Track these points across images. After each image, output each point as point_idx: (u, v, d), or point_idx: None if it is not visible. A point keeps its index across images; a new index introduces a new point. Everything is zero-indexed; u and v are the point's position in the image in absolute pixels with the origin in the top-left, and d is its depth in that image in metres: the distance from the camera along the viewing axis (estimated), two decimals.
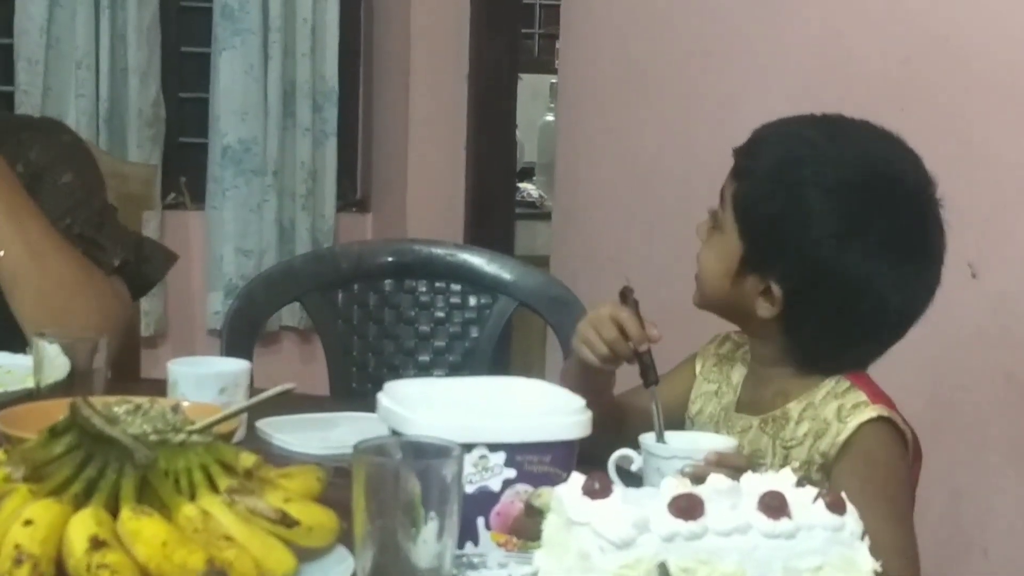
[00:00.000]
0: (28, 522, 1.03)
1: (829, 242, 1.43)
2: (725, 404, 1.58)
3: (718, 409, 1.58)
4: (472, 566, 1.14)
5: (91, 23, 3.57)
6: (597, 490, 1.03)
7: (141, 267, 1.95)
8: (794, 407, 1.49)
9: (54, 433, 1.11)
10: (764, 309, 1.48)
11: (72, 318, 1.70)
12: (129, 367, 2.10)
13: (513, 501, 1.21)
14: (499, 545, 1.21)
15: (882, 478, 1.42)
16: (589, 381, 1.54)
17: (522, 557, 1.13)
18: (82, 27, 3.56)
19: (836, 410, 1.45)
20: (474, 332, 2.27)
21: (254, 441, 1.53)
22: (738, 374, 1.59)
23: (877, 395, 1.47)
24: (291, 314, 3.80)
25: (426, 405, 1.23)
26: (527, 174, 4.66)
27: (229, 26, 3.74)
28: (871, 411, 1.44)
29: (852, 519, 1.05)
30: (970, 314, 2.01)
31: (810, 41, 2.50)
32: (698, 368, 1.64)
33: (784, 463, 1.46)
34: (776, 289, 1.46)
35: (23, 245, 1.74)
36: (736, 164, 1.51)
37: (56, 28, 3.56)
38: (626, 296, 1.52)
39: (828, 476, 1.43)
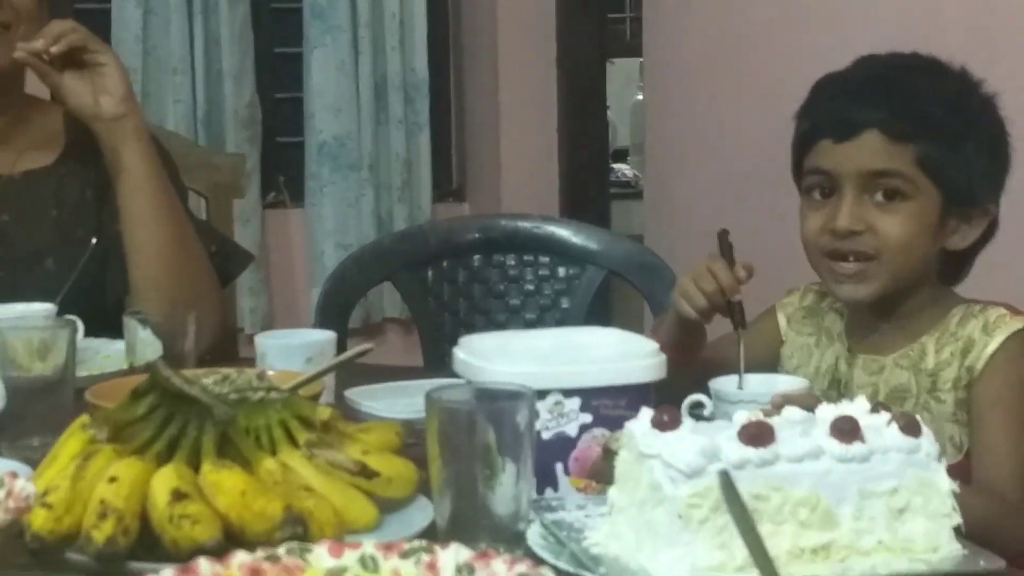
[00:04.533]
0: (113, 479, 1.05)
1: (994, 154, 1.52)
2: (836, 352, 1.57)
3: (822, 363, 1.57)
4: (550, 509, 1.14)
5: (185, 29, 3.66)
6: (666, 422, 1.03)
7: (224, 263, 1.97)
8: (927, 339, 1.49)
9: (136, 395, 1.13)
10: (960, 240, 1.51)
11: (197, 298, 1.72)
12: (228, 353, 2.14)
13: (591, 446, 1.21)
14: (579, 490, 1.21)
15: (1016, 389, 1.42)
16: (685, 336, 1.56)
17: (600, 499, 1.12)
18: (176, 33, 3.64)
19: (982, 326, 1.46)
20: (565, 303, 2.26)
21: (342, 409, 1.54)
22: (834, 323, 1.59)
23: (1017, 311, 1.48)
24: (393, 304, 3.84)
25: (500, 355, 1.24)
26: (621, 155, 4.66)
27: (319, 25, 3.80)
28: (1017, 323, 1.45)
29: (927, 441, 1.03)
30: None
31: (896, 3, 2.47)
32: (782, 323, 1.63)
33: (931, 391, 1.47)
34: (994, 209, 1.51)
35: (169, 221, 1.77)
36: (890, 132, 1.47)
37: (151, 36, 3.65)
38: (722, 240, 1.53)
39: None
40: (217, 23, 3.70)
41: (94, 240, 1.73)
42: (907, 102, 1.50)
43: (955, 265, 1.55)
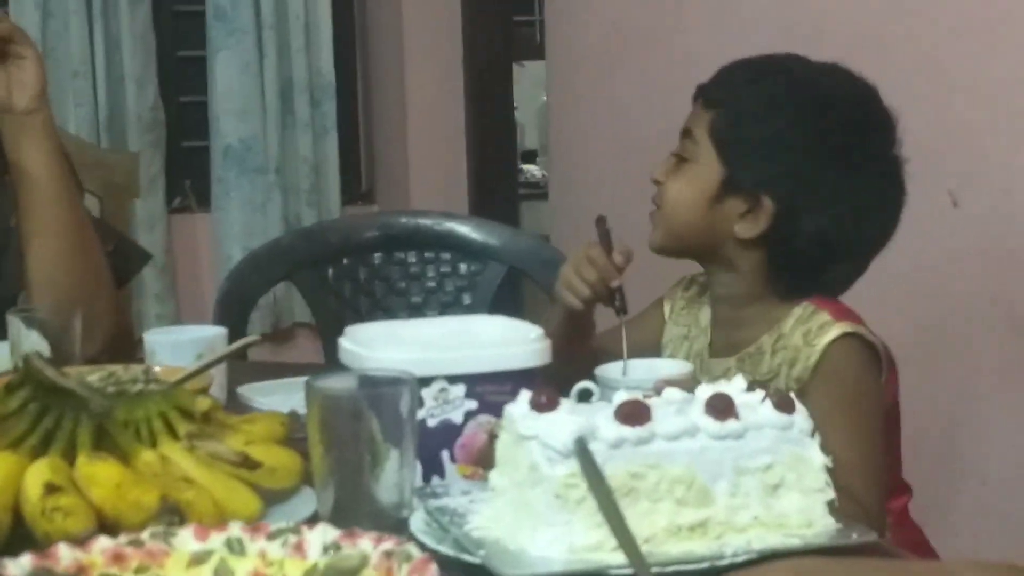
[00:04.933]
0: None
1: (818, 157, 1.47)
2: (698, 349, 1.58)
3: (691, 354, 1.58)
4: (434, 495, 1.13)
5: (85, 31, 3.59)
6: (544, 403, 1.03)
7: (120, 264, 1.94)
8: (766, 340, 1.49)
9: (9, 389, 1.12)
10: (746, 229, 1.48)
11: (93, 298, 1.68)
12: (127, 356, 2.11)
13: (476, 432, 1.21)
14: (465, 477, 1.20)
15: (849, 395, 1.42)
16: (573, 328, 1.56)
17: (485, 485, 1.12)
18: (76, 36, 3.58)
19: (803, 335, 1.45)
20: (467, 299, 2.26)
21: (235, 406, 1.53)
22: (705, 316, 1.59)
23: (841, 312, 1.47)
24: (303, 309, 3.81)
25: (384, 342, 1.23)
26: (531, 156, 4.68)
27: (222, 27, 3.75)
28: (836, 329, 1.44)
29: (801, 417, 1.04)
30: (952, 241, 2.01)
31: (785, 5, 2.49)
32: (667, 312, 1.64)
33: None
34: (767, 203, 1.46)
35: (69, 221, 1.72)
36: (706, 97, 1.52)
37: (50, 38, 3.58)
38: (599, 227, 1.54)
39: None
40: (118, 26, 3.64)
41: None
42: (730, 76, 1.53)
43: (785, 273, 1.51)
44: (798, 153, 1.47)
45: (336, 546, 0.80)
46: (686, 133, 1.53)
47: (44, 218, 1.73)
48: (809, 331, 1.45)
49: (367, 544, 0.78)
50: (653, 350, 1.59)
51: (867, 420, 1.43)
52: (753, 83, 1.52)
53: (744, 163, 1.48)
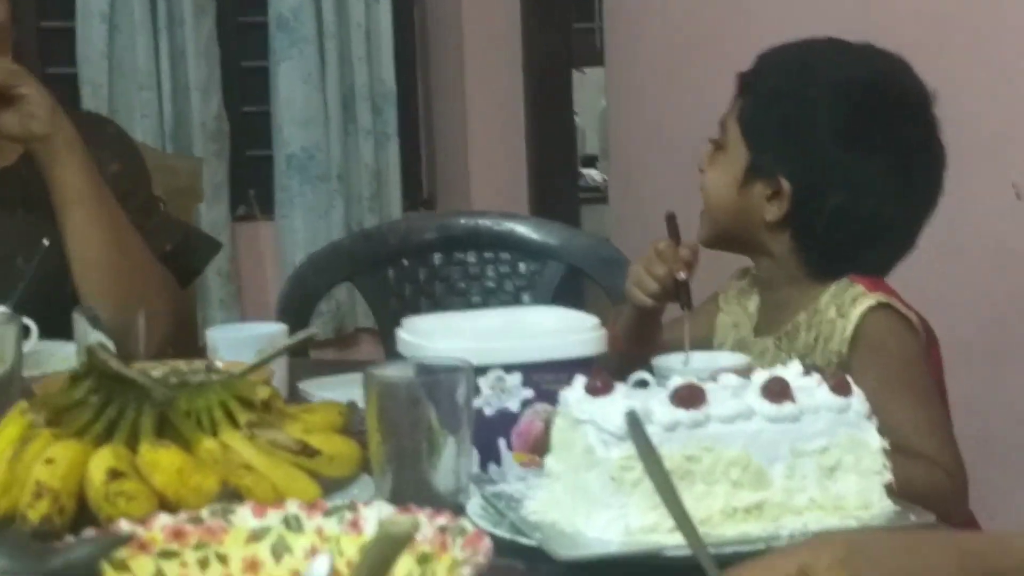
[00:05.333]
0: (49, 461, 1.05)
1: (833, 139, 1.46)
2: (744, 333, 1.59)
3: (737, 340, 1.58)
4: (491, 482, 1.14)
5: (150, 44, 3.66)
6: (599, 388, 1.04)
7: (188, 256, 1.97)
8: (802, 317, 1.49)
9: (74, 379, 1.14)
10: (772, 212, 1.49)
11: (139, 298, 1.72)
12: (189, 354, 2.14)
13: (533, 420, 1.21)
14: (522, 465, 1.21)
15: (898, 364, 1.41)
16: (642, 326, 1.57)
17: (542, 472, 1.12)
18: (142, 49, 3.65)
19: (836, 308, 1.45)
20: (526, 298, 2.26)
21: (295, 400, 1.55)
22: (753, 304, 1.60)
23: (876, 285, 1.46)
24: (366, 315, 3.84)
25: (441, 333, 1.24)
26: (591, 161, 4.68)
27: (285, 37, 3.81)
28: (869, 299, 1.43)
29: (858, 400, 1.04)
30: (1017, 235, 1.97)
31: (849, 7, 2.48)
32: (720, 303, 1.65)
33: None
34: (785, 185, 1.47)
35: (108, 232, 1.76)
36: (741, 84, 1.54)
37: (117, 52, 3.65)
38: (669, 223, 1.55)
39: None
40: (183, 37, 3.70)
41: (45, 241, 1.73)
42: (761, 61, 1.54)
43: (815, 254, 1.51)
44: (813, 134, 1.47)
45: (389, 519, 0.80)
46: (722, 122, 1.55)
47: (78, 227, 1.75)
48: (843, 303, 1.45)
49: (421, 517, 0.79)
50: (708, 340, 1.59)
51: (923, 384, 1.42)
52: (776, 67, 1.54)
53: (764, 146, 1.49)
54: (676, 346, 1.47)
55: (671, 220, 1.57)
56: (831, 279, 1.48)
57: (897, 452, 1.06)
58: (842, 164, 1.46)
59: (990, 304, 2.07)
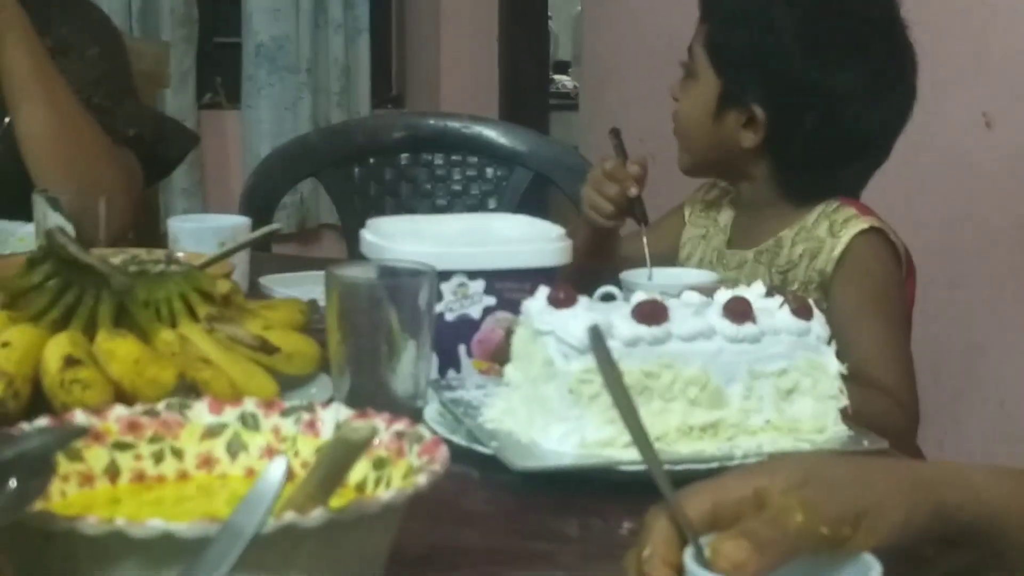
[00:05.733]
0: (5, 344, 1.04)
1: (800, 56, 1.45)
2: (716, 245, 1.59)
3: (709, 250, 1.58)
4: (449, 388, 1.14)
5: None
6: (562, 299, 1.03)
7: (157, 145, 1.95)
8: (787, 234, 1.50)
9: (31, 263, 1.12)
10: (748, 139, 1.48)
11: (94, 182, 1.70)
12: (149, 242, 2.12)
13: (494, 328, 1.21)
14: (481, 372, 1.21)
15: (879, 289, 1.42)
16: (600, 243, 1.56)
17: (500, 380, 1.13)
18: None
19: (828, 227, 1.46)
20: (492, 204, 2.26)
21: (256, 296, 1.54)
22: (726, 216, 1.60)
23: (867, 210, 1.47)
24: (329, 210, 3.82)
25: (405, 236, 1.24)
26: (563, 67, 4.63)
27: None
28: (862, 223, 1.44)
29: (818, 324, 1.04)
30: (985, 164, 1.98)
31: None
32: (687, 214, 1.65)
33: (781, 289, 1.45)
34: (759, 111, 1.47)
35: (50, 111, 1.74)
36: (703, 9, 1.52)
37: None
38: (613, 139, 1.55)
39: (826, 295, 1.43)
40: None
41: (7, 120, 1.71)
42: None
43: (795, 177, 1.50)
44: (782, 56, 1.45)
45: (346, 421, 0.80)
46: (690, 48, 1.52)
47: (25, 110, 1.74)
48: (835, 223, 1.45)
49: (380, 424, 0.79)
50: (672, 252, 1.60)
51: (897, 314, 1.44)
52: None
53: (733, 74, 1.48)
54: (636, 260, 1.47)
55: (615, 135, 1.57)
56: (813, 200, 1.48)
57: (855, 378, 1.07)
58: (814, 83, 1.44)
59: (955, 228, 2.09)
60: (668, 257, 1.56)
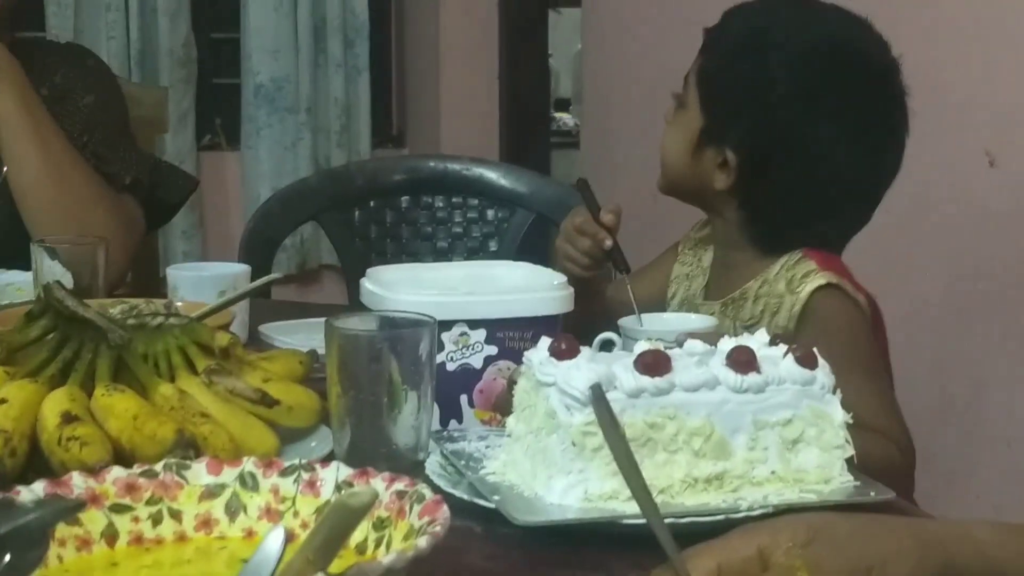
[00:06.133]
0: (2, 400, 1.04)
1: (786, 105, 1.43)
2: (695, 289, 1.58)
3: (688, 294, 1.58)
4: (451, 439, 1.14)
5: None
6: (563, 350, 1.03)
7: (156, 190, 1.96)
8: (751, 286, 1.47)
9: (30, 317, 1.12)
10: (721, 181, 1.47)
11: (90, 230, 1.71)
12: (150, 290, 2.12)
13: (496, 378, 1.21)
14: (483, 422, 1.21)
15: (848, 343, 1.39)
16: (583, 291, 1.56)
17: (503, 431, 1.12)
18: None
19: (787, 282, 1.43)
20: (493, 246, 2.26)
21: (256, 345, 1.54)
22: (708, 258, 1.59)
23: (828, 262, 1.44)
24: (330, 251, 3.82)
25: (406, 285, 1.23)
26: (564, 104, 4.65)
27: None
28: (820, 278, 1.41)
29: (823, 373, 1.03)
30: (989, 202, 1.98)
31: None
32: (680, 249, 1.64)
33: None
34: (731, 156, 1.45)
35: (42, 158, 1.75)
36: (705, 41, 1.51)
37: None
38: (582, 190, 1.54)
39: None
40: None
41: (4, 169, 1.72)
42: (724, 19, 1.51)
43: (763, 225, 1.48)
44: (768, 101, 1.43)
45: (349, 484, 0.80)
46: (686, 77, 1.52)
47: (15, 156, 1.75)
48: (793, 278, 1.43)
49: (379, 483, 0.78)
50: (663, 292, 1.59)
51: (872, 362, 1.42)
52: (736, 27, 1.49)
53: (717, 112, 1.47)
54: (627, 304, 1.46)
55: (584, 187, 1.55)
56: (780, 250, 1.46)
57: (854, 427, 1.06)
58: (796, 132, 1.42)
59: (958, 267, 2.08)
60: (659, 298, 1.55)
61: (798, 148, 1.43)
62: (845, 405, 1.04)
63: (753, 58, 1.45)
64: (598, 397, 0.73)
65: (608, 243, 1.49)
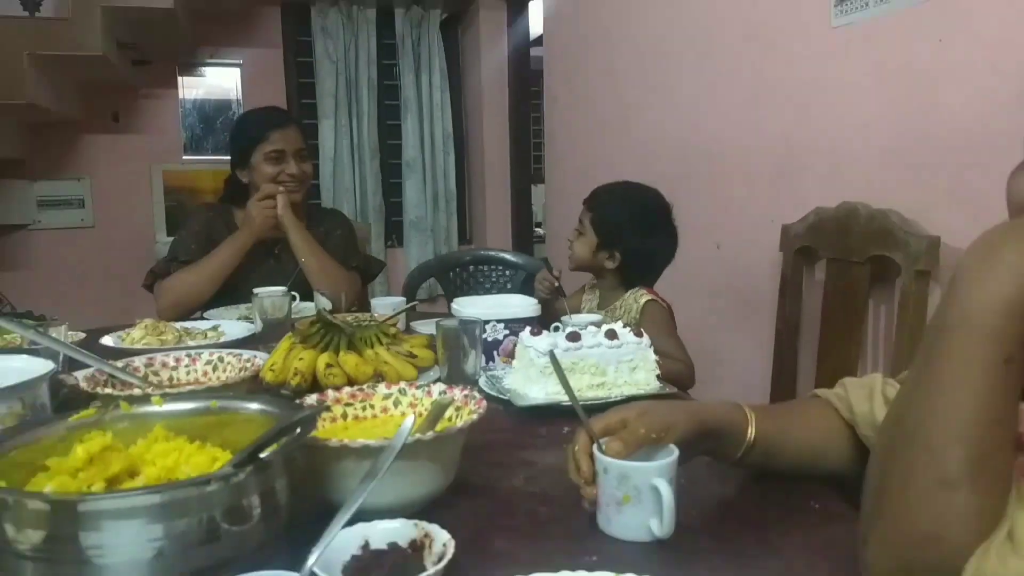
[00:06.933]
0: (300, 358, 1.03)
1: (635, 233, 1.41)
2: (593, 304, 1.53)
3: (590, 306, 1.53)
4: (489, 370, 1.13)
5: (351, 172, 3.54)
6: (536, 332, 1.02)
7: (367, 269, 1.94)
8: (618, 303, 1.45)
9: (312, 323, 1.12)
10: (609, 264, 1.44)
11: (339, 287, 1.70)
12: (364, 309, 2.09)
13: (508, 343, 1.19)
14: (503, 362, 1.19)
15: (659, 323, 1.37)
16: (548, 306, 1.48)
17: (511, 367, 1.11)
18: (346, 173, 3.51)
19: (634, 299, 1.41)
20: (509, 287, 2.25)
21: (408, 332, 1.51)
22: (595, 296, 1.54)
23: (651, 291, 1.43)
24: (439, 289, 3.76)
25: (469, 305, 1.22)
26: (538, 224, 4.55)
27: (410, 172, 3.71)
28: (647, 297, 1.40)
29: (646, 338, 1.02)
30: (715, 271, 1.88)
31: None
32: (586, 290, 1.58)
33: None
34: (617, 255, 1.43)
35: (315, 259, 1.73)
36: (589, 203, 1.45)
37: (337, 174, 3.53)
38: (546, 263, 1.51)
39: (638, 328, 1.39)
40: (365, 170, 3.59)
41: (302, 260, 1.72)
42: (599, 193, 1.45)
43: (636, 270, 1.43)
44: (629, 232, 1.41)
45: (443, 392, 0.79)
46: (580, 220, 1.46)
47: (304, 259, 1.73)
48: (637, 298, 1.40)
49: (457, 392, 0.78)
50: (579, 305, 1.56)
51: (671, 330, 1.39)
52: (605, 198, 1.44)
53: (606, 237, 1.42)
54: (563, 312, 1.43)
55: (546, 262, 1.55)
56: (631, 287, 1.44)
57: (664, 358, 1.05)
58: (639, 242, 1.41)
59: (699, 304, 1.98)
60: (578, 308, 1.53)
61: (642, 249, 1.41)
62: (663, 348, 1.02)
63: (615, 210, 1.42)
64: (551, 354, 0.73)
65: (556, 284, 1.46)
